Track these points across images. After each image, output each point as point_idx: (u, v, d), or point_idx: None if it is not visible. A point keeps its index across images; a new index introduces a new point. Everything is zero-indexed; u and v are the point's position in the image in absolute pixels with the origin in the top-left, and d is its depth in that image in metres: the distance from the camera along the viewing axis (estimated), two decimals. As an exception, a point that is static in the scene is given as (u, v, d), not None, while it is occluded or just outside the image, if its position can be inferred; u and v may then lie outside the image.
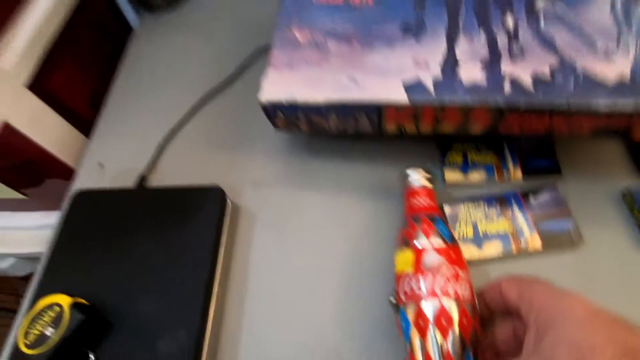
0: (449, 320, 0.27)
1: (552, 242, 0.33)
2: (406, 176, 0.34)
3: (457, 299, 0.27)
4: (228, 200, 0.38)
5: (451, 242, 0.30)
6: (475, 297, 0.29)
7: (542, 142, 0.39)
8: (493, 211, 0.35)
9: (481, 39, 0.33)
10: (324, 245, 0.36)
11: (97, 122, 0.50)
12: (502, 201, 0.36)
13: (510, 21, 0.33)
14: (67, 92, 0.51)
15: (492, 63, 0.32)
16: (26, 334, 0.29)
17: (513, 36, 0.33)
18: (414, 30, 0.35)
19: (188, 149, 0.45)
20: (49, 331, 0.29)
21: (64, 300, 0.30)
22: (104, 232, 0.36)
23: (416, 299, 0.28)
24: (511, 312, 0.26)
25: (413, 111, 0.32)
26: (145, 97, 0.50)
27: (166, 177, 0.43)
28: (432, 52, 0.33)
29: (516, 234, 0.34)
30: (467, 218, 0.35)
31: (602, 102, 0.28)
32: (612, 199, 0.36)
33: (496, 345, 0.27)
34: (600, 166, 0.38)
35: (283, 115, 0.36)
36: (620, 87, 0.28)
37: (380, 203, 0.38)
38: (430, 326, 0.27)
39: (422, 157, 0.39)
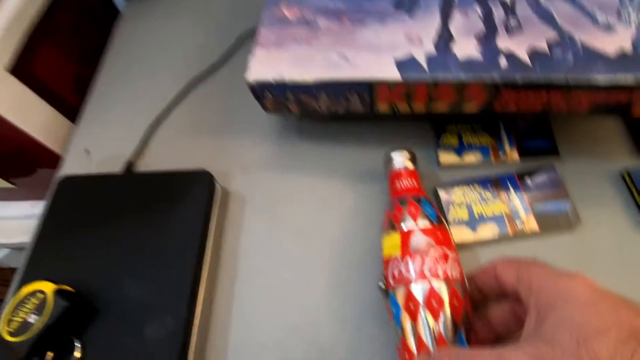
0: (440, 301, 0.26)
1: (549, 224, 0.33)
2: (390, 159, 0.33)
3: (447, 280, 0.27)
4: (217, 185, 0.37)
5: (438, 223, 0.29)
6: (465, 278, 0.28)
7: (539, 122, 0.37)
8: (488, 193, 0.34)
9: (476, 13, 0.32)
10: (315, 228, 0.36)
11: (84, 107, 0.48)
12: (497, 183, 0.35)
13: (507, -6, 0.32)
14: (52, 76, 0.50)
15: (487, 38, 0.30)
16: (9, 321, 0.28)
17: (510, 10, 0.31)
18: (407, 5, 0.33)
19: (176, 134, 0.44)
20: (32, 318, 0.28)
21: (48, 287, 0.30)
22: (91, 217, 0.35)
23: (405, 282, 0.27)
24: (507, 296, 0.25)
25: (406, 89, 0.31)
26: (132, 81, 0.49)
27: (154, 162, 0.42)
28: (426, 28, 0.32)
29: (512, 216, 0.33)
30: (462, 200, 0.34)
31: (602, 76, 0.27)
32: (611, 179, 0.35)
33: (493, 326, 0.27)
34: (598, 146, 0.37)
35: (272, 96, 0.35)
36: (620, 61, 0.27)
37: (372, 186, 0.37)
38: (421, 309, 0.26)
39: (415, 139, 0.38)
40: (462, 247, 0.33)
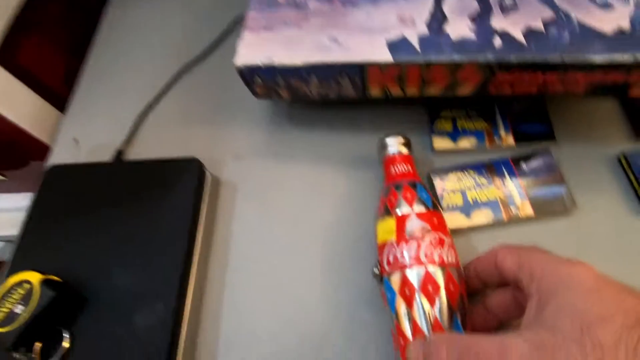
0: (436, 286, 0.26)
1: (545, 209, 0.32)
2: (384, 145, 0.33)
3: (443, 265, 0.26)
4: (207, 172, 0.36)
5: (433, 208, 0.29)
6: (460, 263, 0.28)
7: (535, 106, 0.37)
8: (483, 179, 0.34)
9: (471, -8, 0.31)
10: (308, 215, 0.35)
11: (72, 97, 0.47)
12: (492, 168, 0.34)
13: (502, -28, 0.31)
14: (40, 66, 0.49)
15: (482, 18, 0.30)
16: (-5, 312, 0.28)
17: (505, -11, 0.30)
18: (399, -15, 0.32)
19: (167, 123, 0.43)
20: (18, 309, 0.28)
21: (34, 277, 0.29)
22: (79, 206, 0.35)
23: (401, 267, 0.27)
24: (507, 283, 0.25)
25: (398, 72, 0.30)
26: (121, 70, 0.48)
27: (144, 151, 0.41)
28: (418, 8, 0.31)
29: (506, 201, 0.33)
30: (456, 186, 0.34)
31: (599, 54, 0.26)
32: (608, 163, 0.34)
33: (494, 313, 0.26)
34: (595, 130, 0.36)
35: (261, 81, 0.34)
36: (618, 39, 0.26)
37: (365, 172, 0.36)
38: (417, 294, 0.26)
39: (409, 125, 0.38)
40: (456, 233, 0.32)
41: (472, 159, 0.35)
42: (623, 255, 0.31)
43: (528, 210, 0.32)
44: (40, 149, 0.47)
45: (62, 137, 0.44)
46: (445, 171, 0.35)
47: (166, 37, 0.49)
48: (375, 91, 0.33)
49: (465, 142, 0.36)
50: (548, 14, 0.29)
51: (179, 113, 0.43)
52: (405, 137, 0.33)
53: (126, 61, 0.48)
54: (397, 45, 0.30)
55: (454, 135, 0.36)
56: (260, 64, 0.32)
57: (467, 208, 0.33)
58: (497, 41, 0.28)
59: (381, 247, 0.29)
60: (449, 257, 0.27)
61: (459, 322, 0.25)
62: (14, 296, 0.28)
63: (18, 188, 0.54)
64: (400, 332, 0.26)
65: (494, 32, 0.29)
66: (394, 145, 0.32)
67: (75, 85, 0.48)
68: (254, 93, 0.36)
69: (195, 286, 0.32)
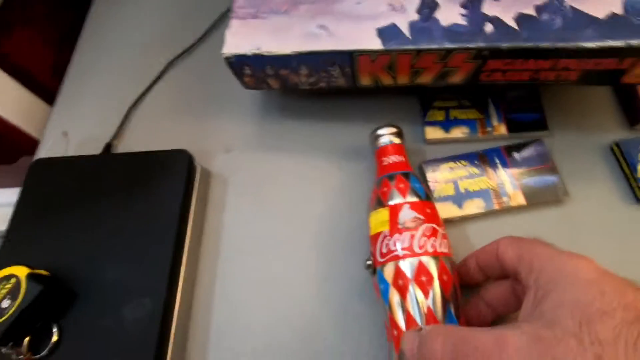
0: (429, 277, 0.26)
1: (537, 198, 0.32)
2: (376, 136, 0.32)
3: (436, 255, 0.26)
4: (197, 165, 0.36)
5: (426, 198, 0.28)
6: (452, 253, 0.28)
7: (528, 96, 0.36)
8: (474, 168, 0.33)
9: (462, -22, 0.30)
10: (300, 207, 0.35)
11: (60, 90, 0.47)
12: (484, 158, 0.34)
13: (494, -43, 0.30)
14: (27, 59, 0.48)
15: (473, 4, 0.29)
16: (-18, 306, 0.28)
17: (497, -26, 0.30)
18: (390, -29, 0.32)
19: (157, 115, 0.42)
20: (5, 303, 0.28)
21: (21, 271, 0.29)
22: (67, 200, 0.34)
23: (394, 258, 0.27)
24: (508, 276, 0.25)
25: (388, 60, 0.30)
26: (110, 62, 0.47)
27: (134, 144, 0.41)
28: (409, -5, 0.30)
29: (498, 191, 0.32)
30: (448, 176, 0.33)
31: (591, 40, 0.26)
32: (601, 152, 0.34)
33: (492, 305, 0.26)
34: (589, 119, 0.36)
35: (250, 71, 0.33)
36: (611, 24, 0.26)
37: (358, 164, 0.36)
38: (410, 284, 0.25)
39: (402, 115, 0.37)
40: (448, 223, 0.32)
41: (464, 149, 0.35)
42: (615, 243, 0.31)
43: (520, 199, 0.32)
44: (30, 144, 0.47)
45: (50, 130, 0.44)
46: (437, 162, 0.34)
47: (155, 28, 0.48)
48: (366, 80, 0.33)
49: (458, 132, 0.36)
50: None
51: (169, 105, 0.43)
52: (397, 127, 0.32)
53: (115, 54, 0.48)
54: (388, 33, 0.29)
55: (447, 125, 0.36)
56: (248, 53, 0.31)
57: (459, 198, 0.33)
58: (489, 27, 0.28)
59: (374, 239, 0.28)
60: (442, 247, 0.27)
61: (452, 312, 0.25)
62: (1, 291, 0.28)
63: (9, 183, 0.54)
64: (393, 323, 0.26)
65: (485, 18, 0.28)
66: (386, 135, 0.32)
67: (64, 79, 0.47)
68: (243, 84, 0.35)
69: (186, 279, 0.32)
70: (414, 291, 0.25)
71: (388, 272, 0.27)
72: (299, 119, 0.39)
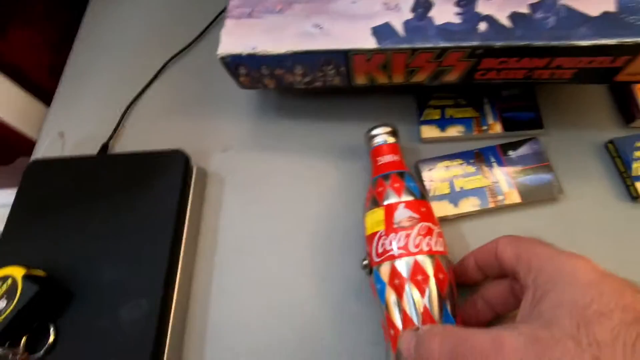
0: (425, 276, 0.26)
1: (532, 196, 0.32)
2: (371, 136, 0.32)
3: (431, 254, 0.26)
4: (193, 165, 0.36)
5: (421, 197, 0.28)
6: (448, 252, 0.28)
7: (524, 94, 0.36)
8: (470, 167, 0.34)
9: (457, -23, 0.30)
10: (296, 207, 0.35)
11: (57, 90, 0.47)
12: (479, 156, 0.34)
13: (488, -44, 0.30)
14: (24, 59, 0.48)
15: (467, 2, 0.29)
16: (-22, 307, 0.28)
17: (491, -27, 0.30)
18: (385, -30, 0.32)
19: (153, 115, 0.42)
20: (1, 304, 0.28)
21: (17, 271, 0.29)
22: (63, 201, 0.34)
23: (390, 257, 0.27)
24: (507, 275, 0.25)
25: (383, 59, 0.30)
26: (106, 62, 0.47)
27: (131, 144, 0.41)
28: (404, -6, 0.30)
29: (494, 189, 0.32)
30: (443, 175, 0.33)
31: (584, 39, 0.26)
32: (596, 151, 0.34)
33: (491, 305, 0.26)
34: (584, 117, 0.36)
35: (246, 71, 0.33)
36: (604, 22, 0.26)
37: (354, 163, 0.36)
38: (406, 284, 0.26)
39: (398, 115, 0.37)
40: (444, 221, 0.32)
41: (460, 148, 0.35)
42: (610, 241, 0.31)
43: (515, 197, 0.32)
44: (27, 144, 0.47)
45: (47, 131, 0.44)
46: (433, 160, 0.34)
47: (151, 28, 0.48)
48: (361, 79, 0.33)
49: (453, 131, 0.36)
50: (534, -2, 0.28)
51: (166, 105, 0.43)
52: (391, 126, 0.32)
53: (111, 54, 0.48)
54: (382, 32, 0.29)
55: (442, 124, 0.36)
56: (243, 53, 0.31)
57: (455, 196, 0.33)
58: (483, 26, 0.28)
59: (370, 239, 0.28)
60: (438, 246, 0.27)
61: (449, 311, 0.25)
62: (-3, 291, 0.28)
63: (6, 184, 0.54)
64: (390, 323, 0.26)
65: (479, 17, 0.28)
66: (381, 135, 0.32)
67: (60, 79, 0.47)
68: (239, 83, 0.35)
69: (182, 278, 0.32)
70: (410, 290, 0.25)
71: (384, 271, 0.27)
72: (295, 118, 0.39)
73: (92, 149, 0.40)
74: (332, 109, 0.39)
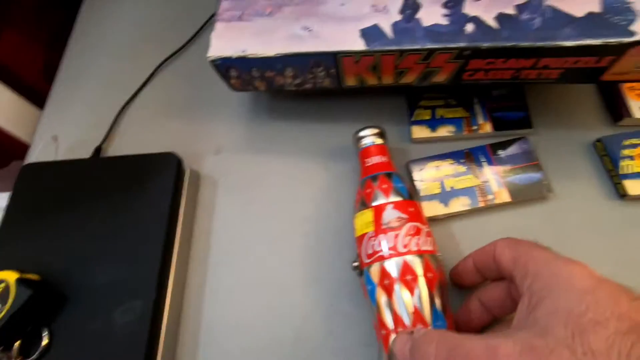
0: (414, 275, 0.26)
1: (521, 195, 0.32)
2: (358, 137, 0.33)
3: (420, 254, 0.27)
4: (185, 167, 0.36)
5: (409, 197, 0.29)
6: (438, 251, 0.28)
7: (513, 94, 0.37)
8: (460, 166, 0.34)
9: (444, -22, 0.30)
10: (288, 208, 0.35)
11: (50, 93, 0.47)
12: (469, 156, 0.34)
13: (475, -42, 0.30)
14: (16, 61, 0.48)
15: (455, 4, 0.29)
16: (-28, 311, 0.28)
17: (478, -26, 0.30)
18: (373, -28, 0.32)
19: (146, 118, 0.42)
20: (-5, 308, 0.28)
21: (10, 276, 0.29)
22: (56, 204, 0.34)
23: (379, 258, 0.27)
24: (505, 278, 0.24)
25: (372, 61, 0.30)
26: (98, 65, 0.47)
27: (124, 147, 0.41)
28: (392, -4, 0.31)
29: (484, 189, 0.33)
30: (434, 175, 0.34)
31: (569, 39, 0.26)
32: (585, 150, 0.35)
33: (488, 307, 0.26)
34: (573, 117, 0.36)
35: (236, 73, 0.33)
36: (589, 23, 0.26)
37: (346, 164, 0.36)
38: (396, 284, 0.26)
39: (389, 115, 0.38)
40: (434, 221, 0.32)
41: (450, 148, 0.35)
42: (598, 239, 0.31)
43: (505, 196, 0.32)
44: (21, 148, 0.47)
45: (40, 134, 0.44)
46: (423, 160, 0.35)
47: (143, 32, 0.48)
48: (351, 81, 0.33)
49: (444, 131, 0.36)
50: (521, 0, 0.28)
51: (159, 108, 0.43)
52: (379, 128, 0.33)
53: (104, 57, 0.48)
54: (371, 34, 0.30)
55: (433, 124, 0.36)
56: (234, 56, 0.31)
57: (445, 196, 0.33)
58: (470, 27, 0.28)
59: (360, 240, 0.29)
60: (426, 245, 0.27)
61: (439, 309, 0.25)
62: (-10, 296, 0.28)
63: (0, 187, 0.54)
64: (381, 323, 0.26)
65: (466, 18, 0.28)
66: (369, 137, 0.32)
67: (54, 82, 0.47)
68: (230, 86, 0.36)
69: (176, 281, 0.32)
70: (400, 290, 0.26)
71: (374, 272, 0.27)
72: (287, 120, 0.39)
73: (85, 152, 0.40)
74: (323, 110, 0.39)
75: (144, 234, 0.32)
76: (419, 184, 0.34)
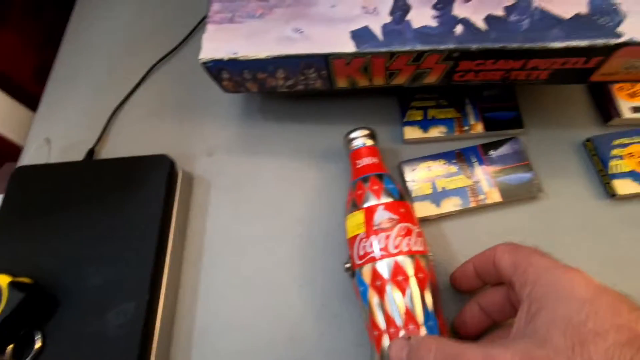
0: (405, 276, 0.26)
1: (512, 195, 0.33)
2: (349, 139, 0.33)
3: (411, 254, 0.27)
4: (178, 169, 0.36)
5: (400, 198, 0.29)
6: (429, 251, 0.28)
7: (504, 95, 0.37)
8: (452, 167, 0.34)
9: (434, -20, 0.30)
10: (281, 209, 0.35)
11: (42, 95, 0.46)
12: (461, 156, 0.34)
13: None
14: (7, 63, 0.48)
15: (444, 6, 0.29)
16: (-36, 316, 0.28)
17: (468, -24, 0.30)
18: (364, -26, 0.32)
19: (139, 120, 0.42)
20: (-13, 312, 0.28)
21: (2, 279, 0.29)
22: (49, 207, 0.34)
23: (371, 259, 0.27)
24: (504, 283, 0.24)
25: (363, 62, 0.30)
26: (91, 67, 0.47)
27: (117, 150, 0.41)
28: (382, -3, 0.31)
29: (475, 189, 0.33)
30: (425, 175, 0.34)
31: (557, 41, 0.26)
32: (575, 150, 0.35)
33: (488, 312, 0.26)
34: (563, 117, 0.37)
35: (228, 75, 0.33)
36: (576, 24, 0.27)
37: (338, 165, 0.36)
38: (388, 285, 0.26)
39: (382, 116, 0.38)
40: (426, 221, 0.33)
41: (442, 148, 0.35)
42: (588, 238, 0.31)
43: (496, 196, 0.33)
44: (14, 150, 0.47)
45: (33, 137, 0.44)
46: (415, 161, 0.35)
47: (137, 33, 0.48)
48: (342, 82, 0.33)
49: (435, 131, 0.36)
50: (510, 2, 0.28)
51: (151, 110, 0.43)
52: (369, 129, 0.33)
53: (96, 59, 0.48)
54: (361, 36, 0.30)
55: (425, 125, 0.36)
56: (225, 58, 0.32)
57: (437, 197, 0.33)
58: (459, 29, 0.28)
59: (351, 241, 0.29)
60: (417, 246, 0.27)
61: (430, 309, 0.26)
62: (-17, 299, 0.28)
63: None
64: (374, 324, 0.26)
65: (456, 20, 0.29)
66: (359, 138, 0.32)
67: (46, 84, 0.47)
68: (222, 88, 0.36)
69: (169, 283, 0.32)
70: (392, 291, 0.26)
71: (366, 273, 0.27)
72: (279, 121, 0.39)
73: (78, 155, 0.40)
74: (315, 111, 0.39)
75: (137, 236, 0.32)
76: (411, 185, 0.34)
